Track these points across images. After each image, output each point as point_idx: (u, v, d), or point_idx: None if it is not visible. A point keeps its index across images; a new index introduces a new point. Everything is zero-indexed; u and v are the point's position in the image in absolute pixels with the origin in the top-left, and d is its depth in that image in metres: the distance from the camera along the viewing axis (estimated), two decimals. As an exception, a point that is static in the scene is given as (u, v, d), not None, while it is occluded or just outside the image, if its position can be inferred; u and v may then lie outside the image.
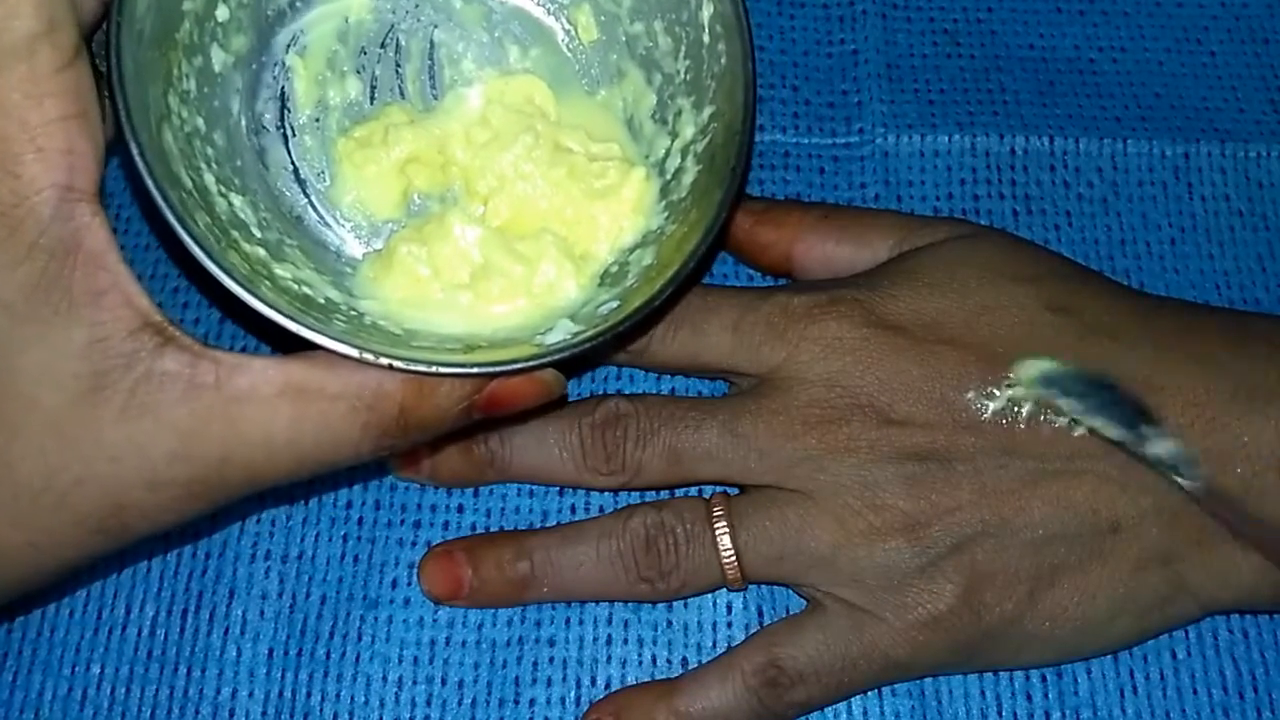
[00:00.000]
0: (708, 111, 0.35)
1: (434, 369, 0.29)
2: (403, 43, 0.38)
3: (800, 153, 0.44)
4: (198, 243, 0.28)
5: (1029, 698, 0.37)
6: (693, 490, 0.38)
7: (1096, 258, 0.42)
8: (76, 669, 0.37)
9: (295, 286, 0.32)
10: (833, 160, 0.44)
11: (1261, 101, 0.45)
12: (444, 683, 0.37)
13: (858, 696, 0.36)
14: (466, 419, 0.31)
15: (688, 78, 0.36)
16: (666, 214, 0.35)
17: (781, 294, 0.37)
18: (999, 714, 0.37)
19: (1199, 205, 0.43)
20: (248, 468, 0.28)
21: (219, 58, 0.34)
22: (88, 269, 0.27)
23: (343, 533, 0.38)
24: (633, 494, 0.38)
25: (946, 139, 0.44)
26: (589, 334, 0.31)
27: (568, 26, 0.39)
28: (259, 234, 0.33)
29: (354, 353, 0.28)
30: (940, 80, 0.45)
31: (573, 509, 0.39)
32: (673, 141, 0.36)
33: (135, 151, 0.28)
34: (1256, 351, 0.36)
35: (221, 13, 0.34)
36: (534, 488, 0.39)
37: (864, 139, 0.44)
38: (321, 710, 0.36)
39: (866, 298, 0.36)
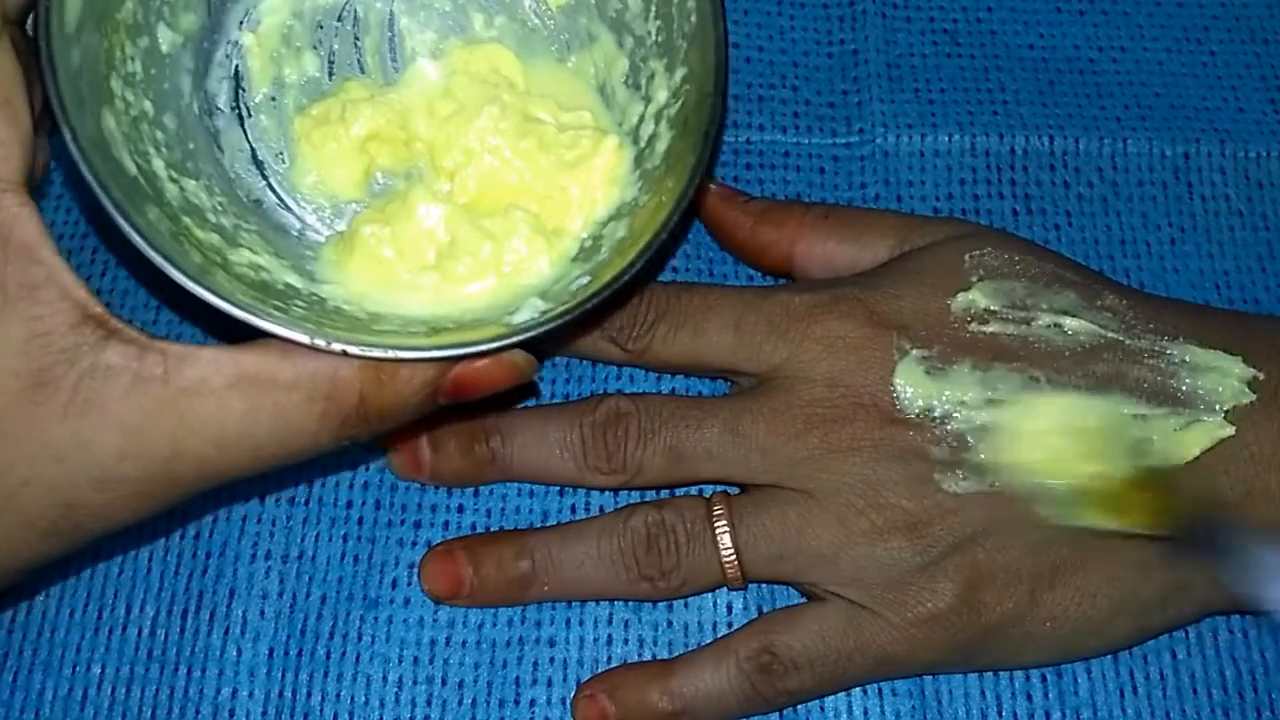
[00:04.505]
0: (680, 73, 0.34)
1: (391, 354, 0.28)
2: (360, 15, 0.36)
3: (800, 153, 0.44)
4: (139, 232, 0.27)
5: (1029, 698, 0.37)
6: (694, 490, 0.38)
7: (1096, 258, 0.42)
8: (76, 669, 0.36)
9: (252, 273, 0.31)
10: (833, 160, 0.44)
11: (1261, 101, 0.45)
12: (444, 683, 0.37)
13: (858, 697, 0.36)
14: (432, 405, 0.30)
15: (659, 39, 0.35)
16: (641, 184, 0.34)
17: (783, 293, 0.37)
18: (999, 714, 0.37)
19: (1199, 205, 0.43)
20: (200, 463, 0.27)
21: (167, 38, 0.33)
22: (19, 262, 0.26)
23: (343, 533, 0.38)
24: (633, 494, 0.38)
25: (946, 139, 0.44)
26: (557, 311, 0.30)
27: None
28: (214, 219, 0.32)
29: (305, 338, 0.27)
30: (940, 80, 0.45)
31: (573, 509, 0.39)
32: (646, 107, 0.35)
33: (68, 137, 0.27)
34: (1259, 352, 0.35)
35: None
36: (534, 488, 0.39)
37: (864, 139, 0.44)
38: (321, 710, 0.36)
39: (869, 297, 0.36)
